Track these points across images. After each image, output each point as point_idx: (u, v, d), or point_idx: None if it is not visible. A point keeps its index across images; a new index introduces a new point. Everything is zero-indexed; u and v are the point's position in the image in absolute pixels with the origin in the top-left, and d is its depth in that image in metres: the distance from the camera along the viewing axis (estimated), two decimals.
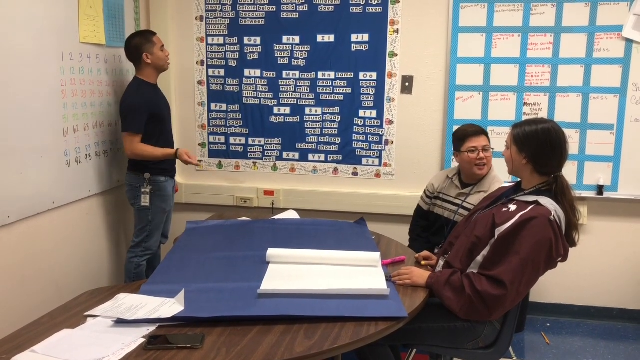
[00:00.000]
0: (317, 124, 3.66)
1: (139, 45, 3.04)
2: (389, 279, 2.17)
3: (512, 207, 2.03)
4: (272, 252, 2.34)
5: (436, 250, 2.78)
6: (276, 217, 3.17)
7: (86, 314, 1.89)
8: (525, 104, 3.39)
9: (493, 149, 2.76)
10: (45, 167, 2.74)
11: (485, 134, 2.77)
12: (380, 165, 3.64)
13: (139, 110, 3.00)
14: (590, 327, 3.50)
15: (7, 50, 2.45)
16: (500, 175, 2.78)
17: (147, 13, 3.67)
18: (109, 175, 3.30)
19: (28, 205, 2.63)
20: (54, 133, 2.80)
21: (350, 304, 1.93)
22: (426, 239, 2.97)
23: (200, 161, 3.33)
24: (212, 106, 3.76)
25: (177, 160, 3.15)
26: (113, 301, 1.99)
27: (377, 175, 3.65)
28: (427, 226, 2.99)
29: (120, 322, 1.81)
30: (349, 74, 3.56)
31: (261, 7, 3.58)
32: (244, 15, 3.62)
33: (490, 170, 2.76)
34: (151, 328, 1.77)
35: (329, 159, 3.70)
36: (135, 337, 1.70)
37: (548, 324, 3.52)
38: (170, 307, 1.90)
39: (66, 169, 2.90)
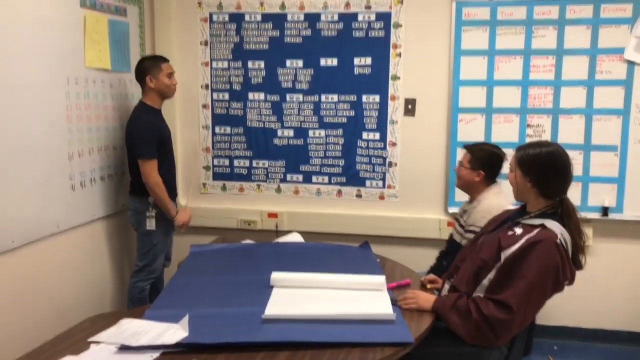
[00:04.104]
0: (321, 146, 3.67)
1: (146, 68, 3.06)
2: (394, 303, 2.15)
3: (518, 231, 2.03)
4: (276, 275, 2.33)
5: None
6: (279, 239, 3.16)
7: (89, 340, 1.88)
8: (528, 125, 3.39)
9: (470, 167, 2.74)
10: (50, 191, 2.74)
11: (470, 152, 2.76)
12: (384, 187, 3.64)
13: (151, 135, 3.00)
14: (598, 350, 3.45)
15: (14, 75, 2.48)
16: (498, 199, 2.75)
17: (152, 38, 3.71)
18: (113, 199, 3.30)
19: (32, 229, 2.63)
20: (59, 157, 2.81)
21: (356, 329, 1.91)
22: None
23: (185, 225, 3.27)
24: (217, 129, 3.77)
25: (179, 183, 3.15)
26: (117, 327, 1.97)
27: (381, 197, 3.65)
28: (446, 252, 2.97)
29: (124, 349, 1.80)
30: (352, 96, 3.58)
31: (265, 31, 3.62)
32: (248, 40, 3.65)
33: (486, 191, 2.72)
34: (155, 354, 1.76)
35: (332, 181, 3.70)
36: None
37: (555, 347, 3.47)
38: (174, 332, 1.89)
39: (71, 192, 2.90)
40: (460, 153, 2.94)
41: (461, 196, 3.46)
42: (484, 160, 2.72)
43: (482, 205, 2.66)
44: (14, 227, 2.51)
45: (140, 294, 3.16)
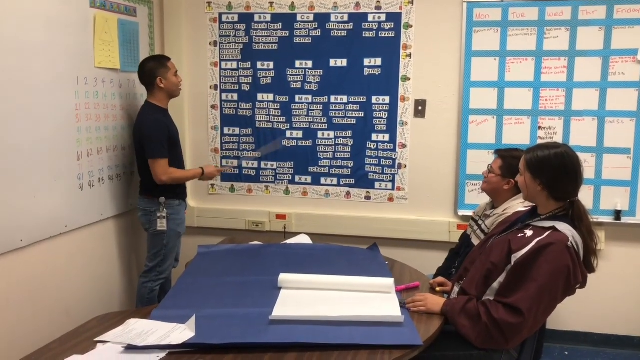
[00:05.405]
0: (330, 147, 3.65)
1: (154, 70, 3.05)
2: (403, 305, 2.13)
3: (529, 233, 2.00)
4: (284, 277, 2.32)
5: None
6: (288, 241, 3.14)
7: (96, 339, 1.88)
8: (539, 127, 3.36)
9: (500, 175, 2.67)
10: (59, 191, 2.75)
11: (502, 158, 2.68)
12: (393, 189, 3.61)
13: (162, 135, 3.00)
14: (610, 356, 3.40)
15: (24, 74, 2.49)
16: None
17: (161, 38, 3.71)
18: (122, 199, 3.31)
19: (41, 229, 2.64)
20: (68, 157, 2.81)
21: (364, 331, 1.90)
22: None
23: (224, 166, 3.75)
24: (225, 130, 3.77)
25: (187, 183, 3.16)
26: (123, 326, 1.97)
27: (390, 199, 3.62)
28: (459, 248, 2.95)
29: (131, 348, 1.79)
30: (361, 98, 3.56)
31: (274, 32, 3.61)
32: (257, 41, 3.64)
33: (512, 200, 2.64)
34: (161, 354, 1.75)
35: (341, 183, 3.68)
36: None
37: (566, 352, 3.43)
38: (181, 333, 1.88)
39: (79, 192, 2.91)
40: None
41: (471, 199, 3.46)
42: (515, 169, 2.48)
43: (508, 216, 2.56)
44: (23, 227, 2.51)
45: (149, 295, 3.15)
